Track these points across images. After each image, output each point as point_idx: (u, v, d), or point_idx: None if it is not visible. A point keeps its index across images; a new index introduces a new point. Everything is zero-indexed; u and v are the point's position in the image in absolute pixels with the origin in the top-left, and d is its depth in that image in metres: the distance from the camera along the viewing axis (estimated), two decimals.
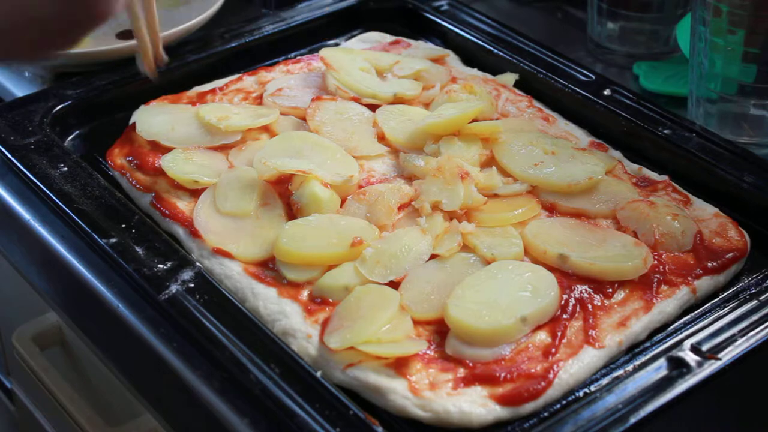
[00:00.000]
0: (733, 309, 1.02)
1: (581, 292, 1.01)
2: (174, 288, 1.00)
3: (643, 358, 0.97)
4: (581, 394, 0.93)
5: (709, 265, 1.06)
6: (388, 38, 1.46)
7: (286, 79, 1.34)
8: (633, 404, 0.91)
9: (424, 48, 1.43)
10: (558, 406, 0.92)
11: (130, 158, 1.20)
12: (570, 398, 0.93)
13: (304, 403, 0.89)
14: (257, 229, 1.09)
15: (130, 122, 1.24)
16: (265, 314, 1.01)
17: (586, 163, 1.17)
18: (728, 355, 0.96)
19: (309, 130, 1.22)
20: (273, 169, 1.12)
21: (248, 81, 1.35)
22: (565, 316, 0.98)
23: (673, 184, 1.18)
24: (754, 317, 1.00)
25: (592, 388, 0.94)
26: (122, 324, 1.00)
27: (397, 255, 1.04)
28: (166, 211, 1.12)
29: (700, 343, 0.97)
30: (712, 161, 1.20)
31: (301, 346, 0.97)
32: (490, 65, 1.41)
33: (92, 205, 1.11)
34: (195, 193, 1.14)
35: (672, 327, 1.02)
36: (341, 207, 1.11)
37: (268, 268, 1.06)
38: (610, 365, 0.97)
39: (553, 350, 0.95)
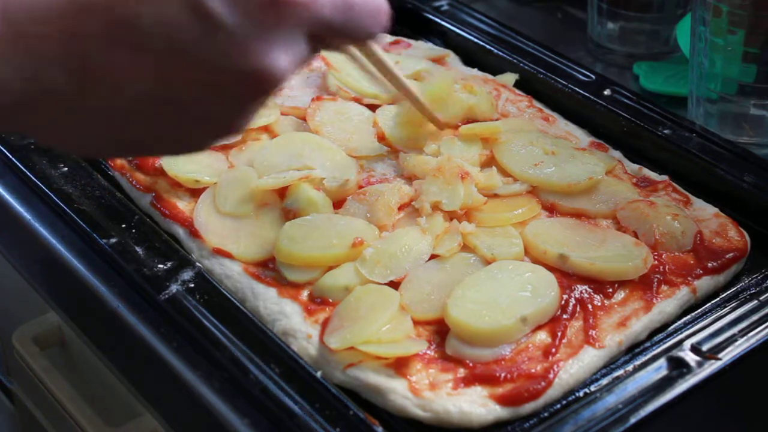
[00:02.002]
0: (733, 309, 1.02)
1: (581, 292, 1.01)
2: (174, 288, 1.00)
3: (643, 358, 0.97)
4: (581, 394, 0.93)
5: (709, 265, 1.06)
6: (388, 38, 1.46)
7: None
8: (633, 404, 0.91)
9: (424, 48, 1.43)
10: (558, 406, 0.92)
11: (130, 158, 1.19)
12: (570, 398, 0.93)
13: (304, 403, 0.89)
14: (257, 229, 1.09)
15: None
16: (265, 314, 1.01)
17: (586, 163, 1.17)
18: (728, 355, 0.96)
19: (309, 130, 1.22)
20: (268, 185, 1.12)
21: None
22: (565, 316, 0.98)
23: (673, 184, 1.18)
24: (754, 317, 1.00)
25: (592, 388, 0.94)
26: (122, 324, 0.99)
27: (397, 255, 1.04)
28: (166, 211, 1.12)
29: (700, 343, 0.97)
30: (712, 161, 1.20)
31: (301, 346, 0.97)
32: (490, 65, 1.41)
33: (92, 205, 1.11)
34: (195, 193, 1.14)
35: (672, 327, 1.02)
36: (341, 207, 1.11)
37: (268, 268, 1.06)
38: (610, 365, 0.97)
39: (553, 350, 0.95)
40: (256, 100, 0.72)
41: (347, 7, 0.73)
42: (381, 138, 1.23)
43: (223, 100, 0.70)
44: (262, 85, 0.70)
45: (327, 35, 0.74)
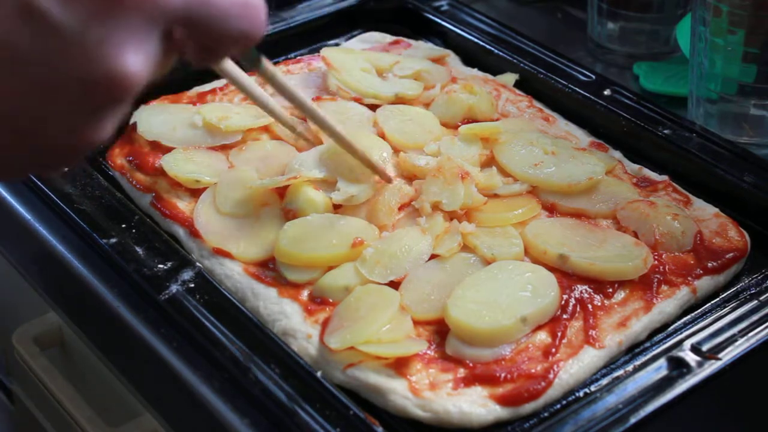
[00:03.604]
0: (733, 309, 1.02)
1: (581, 292, 1.01)
2: (174, 288, 1.00)
3: (643, 358, 0.97)
4: (581, 394, 0.93)
5: (710, 265, 1.06)
6: (389, 38, 1.46)
7: (287, 79, 1.33)
8: (633, 404, 0.91)
9: (425, 48, 1.43)
10: (558, 406, 0.92)
11: (130, 158, 1.19)
12: (570, 398, 0.93)
13: (304, 403, 0.89)
14: (257, 229, 1.09)
15: (131, 122, 1.24)
16: (265, 314, 1.01)
17: (586, 163, 1.17)
18: (728, 355, 0.96)
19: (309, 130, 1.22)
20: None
21: None
22: (565, 316, 0.98)
23: (673, 184, 1.18)
24: (754, 317, 1.00)
25: (592, 388, 0.94)
26: (122, 324, 0.99)
27: (397, 255, 1.04)
28: (166, 211, 1.12)
29: (700, 343, 0.97)
30: (712, 161, 1.20)
31: (301, 346, 0.97)
32: (490, 65, 1.41)
33: (92, 205, 1.11)
34: (195, 193, 1.14)
35: (672, 327, 1.02)
36: (341, 207, 1.11)
37: (268, 268, 1.06)
38: (610, 365, 0.97)
39: (553, 350, 0.95)
40: (110, 108, 0.63)
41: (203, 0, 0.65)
42: (381, 138, 1.23)
43: (71, 111, 0.62)
44: (112, 91, 0.62)
45: (192, 35, 0.65)
